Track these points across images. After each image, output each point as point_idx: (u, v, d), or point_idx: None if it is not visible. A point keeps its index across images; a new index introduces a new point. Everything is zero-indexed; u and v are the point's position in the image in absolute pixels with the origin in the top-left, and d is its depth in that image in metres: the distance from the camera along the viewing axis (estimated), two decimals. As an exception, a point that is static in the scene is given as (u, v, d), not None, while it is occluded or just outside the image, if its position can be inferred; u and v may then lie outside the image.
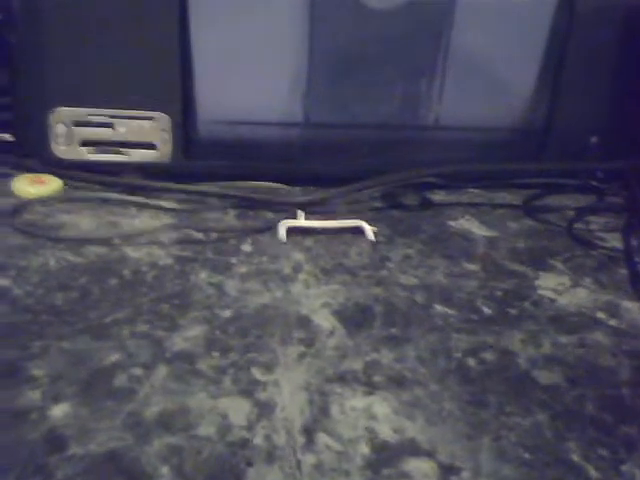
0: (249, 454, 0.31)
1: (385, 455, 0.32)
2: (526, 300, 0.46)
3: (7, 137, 0.62)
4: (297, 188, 0.62)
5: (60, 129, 0.58)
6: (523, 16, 0.61)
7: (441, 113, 0.63)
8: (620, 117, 0.64)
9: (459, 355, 0.40)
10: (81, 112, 0.58)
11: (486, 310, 0.45)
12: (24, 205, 0.54)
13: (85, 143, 0.59)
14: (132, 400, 0.34)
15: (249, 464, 0.31)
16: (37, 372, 0.35)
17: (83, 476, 0.29)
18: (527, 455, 0.32)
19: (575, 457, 0.32)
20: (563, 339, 0.42)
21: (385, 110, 0.63)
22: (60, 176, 0.58)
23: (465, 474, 0.31)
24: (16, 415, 0.32)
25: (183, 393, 0.35)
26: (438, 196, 0.63)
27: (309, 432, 0.33)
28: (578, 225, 0.58)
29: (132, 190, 0.58)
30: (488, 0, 0.60)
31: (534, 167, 0.64)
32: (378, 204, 0.61)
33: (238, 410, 0.34)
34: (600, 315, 0.45)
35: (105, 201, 0.56)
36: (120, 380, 0.35)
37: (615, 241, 0.55)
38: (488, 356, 0.40)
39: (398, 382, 0.37)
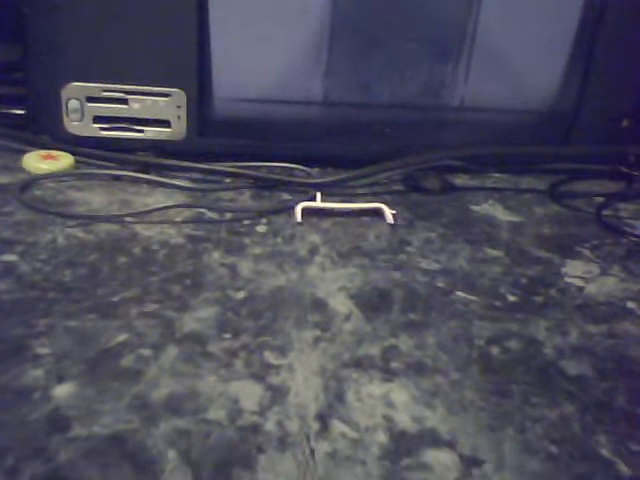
0: (260, 440, 0.30)
1: (403, 445, 0.30)
2: (552, 288, 0.44)
3: (19, 112, 0.61)
4: (315, 169, 0.60)
5: (73, 105, 0.57)
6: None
7: (467, 94, 0.61)
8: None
9: (482, 343, 0.38)
10: (94, 88, 0.57)
11: (510, 297, 0.43)
12: (34, 181, 0.53)
13: (98, 119, 0.58)
14: (139, 382, 0.32)
15: (260, 450, 0.29)
16: (42, 350, 0.34)
17: (86, 459, 0.28)
18: (553, 448, 0.31)
19: (605, 452, 0.31)
20: (591, 329, 0.40)
21: (408, 90, 0.61)
22: (72, 152, 0.57)
23: (488, 467, 0.29)
24: (18, 394, 0.31)
25: (193, 376, 0.33)
26: (461, 180, 0.61)
27: (323, 419, 0.31)
28: (607, 212, 0.56)
29: (145, 168, 0.56)
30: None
31: (561, 151, 0.62)
32: (398, 187, 0.59)
33: (250, 394, 0.32)
34: (630, 305, 0.43)
35: (117, 178, 0.55)
36: (127, 361, 0.34)
37: (646, 229, 0.53)
38: (512, 345, 0.38)
39: (417, 369, 0.35)
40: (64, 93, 0.56)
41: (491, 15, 0.58)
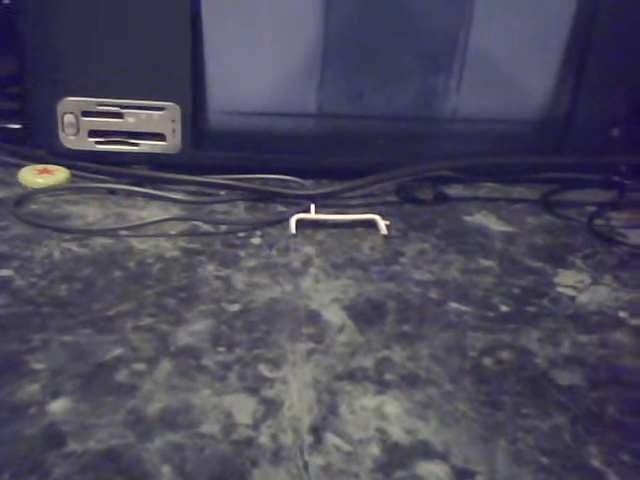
0: (254, 454, 0.30)
1: (396, 457, 0.30)
2: (544, 298, 0.44)
3: (15, 127, 0.61)
4: (309, 181, 0.60)
5: (68, 119, 0.57)
6: (546, 4, 0.59)
7: (459, 105, 0.62)
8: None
9: (474, 354, 0.38)
10: (90, 102, 0.57)
11: (503, 307, 0.43)
12: (30, 195, 0.53)
13: (93, 133, 0.58)
14: (134, 396, 0.33)
15: (254, 464, 0.29)
16: (37, 366, 0.34)
17: (81, 474, 0.28)
18: (545, 459, 0.31)
19: (596, 462, 0.31)
20: (583, 338, 0.40)
21: (401, 102, 0.61)
22: (68, 166, 0.57)
23: (480, 478, 0.29)
24: (14, 410, 0.31)
25: (187, 389, 0.33)
26: (454, 190, 0.61)
27: (317, 432, 0.31)
28: (599, 221, 0.56)
29: (140, 181, 0.57)
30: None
31: (553, 161, 0.62)
32: (392, 198, 0.59)
33: (243, 408, 0.33)
34: (622, 314, 0.43)
35: (113, 192, 0.55)
36: (122, 375, 0.34)
37: (637, 237, 0.53)
38: (505, 355, 0.38)
39: (410, 381, 0.35)
40: (60, 108, 0.57)
41: (483, 26, 0.59)
